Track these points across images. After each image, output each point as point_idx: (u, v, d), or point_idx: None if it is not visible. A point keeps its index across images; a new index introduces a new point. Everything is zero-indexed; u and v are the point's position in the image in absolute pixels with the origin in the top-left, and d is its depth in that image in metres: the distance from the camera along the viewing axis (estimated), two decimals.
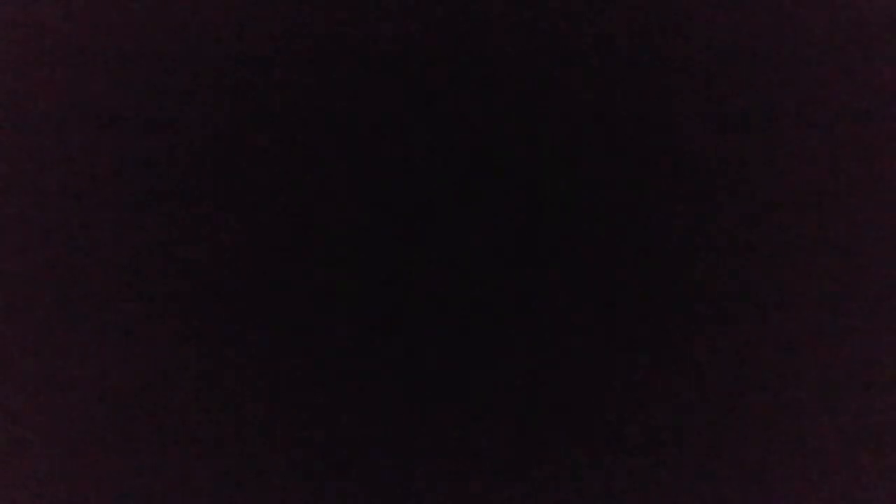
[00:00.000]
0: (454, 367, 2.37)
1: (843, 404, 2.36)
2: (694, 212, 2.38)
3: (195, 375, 2.37)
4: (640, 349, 2.36)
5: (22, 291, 2.39)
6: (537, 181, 2.38)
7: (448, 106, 2.39)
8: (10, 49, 2.41)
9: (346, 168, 2.39)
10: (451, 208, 2.39)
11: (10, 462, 2.37)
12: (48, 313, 2.39)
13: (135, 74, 2.41)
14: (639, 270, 2.37)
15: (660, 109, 2.39)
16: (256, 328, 2.38)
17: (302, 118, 2.40)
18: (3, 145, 2.41)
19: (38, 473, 2.38)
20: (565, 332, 2.37)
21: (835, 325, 2.37)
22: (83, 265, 2.39)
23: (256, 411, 2.37)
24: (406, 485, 2.36)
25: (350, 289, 2.38)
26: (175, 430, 2.37)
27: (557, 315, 2.37)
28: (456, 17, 2.40)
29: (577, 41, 2.40)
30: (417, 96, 2.39)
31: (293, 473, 2.36)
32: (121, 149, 2.40)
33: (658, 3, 2.40)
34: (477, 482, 2.36)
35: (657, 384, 2.36)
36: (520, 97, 2.39)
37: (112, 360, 2.38)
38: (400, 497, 2.36)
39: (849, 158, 2.40)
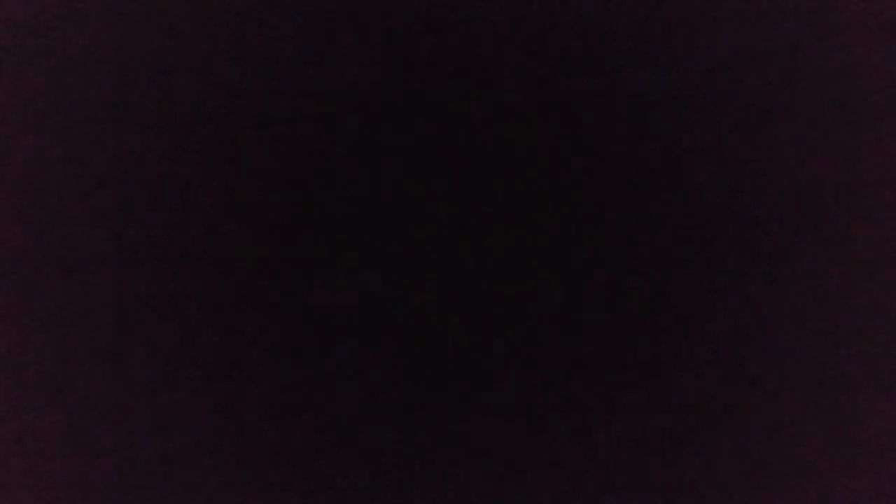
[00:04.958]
0: (454, 368, 2.37)
1: (841, 404, 2.36)
2: (694, 212, 2.39)
3: (195, 376, 2.37)
4: (639, 349, 2.36)
5: (22, 291, 2.39)
6: (537, 181, 2.38)
7: (448, 106, 2.39)
8: (10, 49, 2.41)
9: (346, 169, 2.39)
10: (451, 209, 2.39)
11: (10, 462, 2.37)
12: (48, 314, 2.38)
13: (135, 74, 2.41)
14: (638, 270, 2.38)
15: (660, 110, 2.39)
16: (257, 329, 2.38)
17: (302, 118, 2.40)
18: (2, 145, 2.41)
19: (38, 473, 2.37)
20: (564, 333, 2.37)
21: (835, 324, 2.37)
22: (83, 265, 2.39)
23: (257, 412, 2.37)
24: (406, 485, 2.36)
25: (351, 289, 2.38)
26: (175, 431, 2.37)
27: (557, 315, 2.37)
28: (456, 17, 2.40)
29: (577, 41, 2.40)
30: (418, 97, 2.39)
31: (293, 474, 2.37)
32: (121, 149, 2.40)
33: (659, 3, 2.40)
34: (477, 482, 2.36)
35: (657, 384, 2.36)
36: (519, 97, 2.39)
37: (112, 361, 2.38)
38: (400, 497, 2.36)
39: (849, 158, 2.40)
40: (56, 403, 2.38)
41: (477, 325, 2.37)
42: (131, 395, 2.37)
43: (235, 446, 2.36)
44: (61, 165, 2.40)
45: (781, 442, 2.36)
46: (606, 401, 2.36)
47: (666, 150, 2.39)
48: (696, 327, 2.36)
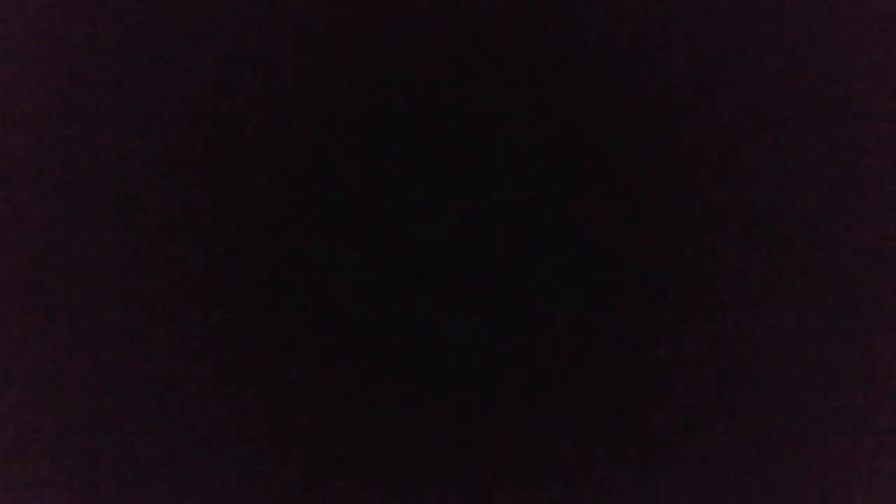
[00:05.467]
0: (454, 368, 2.37)
1: (843, 404, 2.37)
2: (693, 211, 2.39)
3: (196, 376, 2.37)
4: (639, 349, 2.36)
5: (22, 291, 2.39)
6: (537, 180, 2.39)
7: (448, 105, 2.39)
8: (10, 48, 2.41)
9: (346, 168, 2.39)
10: (451, 208, 2.39)
11: (10, 462, 2.37)
12: (48, 313, 2.39)
13: (135, 74, 2.41)
14: (638, 270, 2.38)
15: (659, 109, 2.39)
16: (257, 328, 2.38)
17: (302, 118, 2.40)
18: (3, 145, 2.41)
19: (38, 473, 2.38)
20: (564, 333, 2.37)
21: (835, 325, 2.37)
22: (81, 265, 2.39)
23: (257, 412, 2.37)
24: (406, 485, 2.36)
25: (351, 289, 2.38)
26: (175, 431, 2.37)
27: (556, 315, 2.37)
28: (456, 16, 2.40)
29: (577, 41, 2.40)
30: (418, 96, 2.39)
31: (294, 475, 2.37)
32: (121, 149, 2.40)
33: (658, 2, 2.40)
34: (477, 483, 2.36)
35: (656, 384, 2.36)
36: (519, 97, 2.39)
37: (112, 361, 2.38)
38: (400, 498, 2.36)
39: (848, 158, 2.40)
40: (56, 403, 2.38)
41: (477, 326, 2.37)
42: (131, 395, 2.37)
43: (235, 446, 2.36)
44: (61, 165, 2.40)
45: (781, 442, 2.36)
46: (606, 401, 2.36)
47: (666, 150, 2.39)
48: (696, 327, 2.37)
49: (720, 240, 2.38)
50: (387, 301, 2.38)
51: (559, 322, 2.37)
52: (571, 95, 2.39)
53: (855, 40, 2.41)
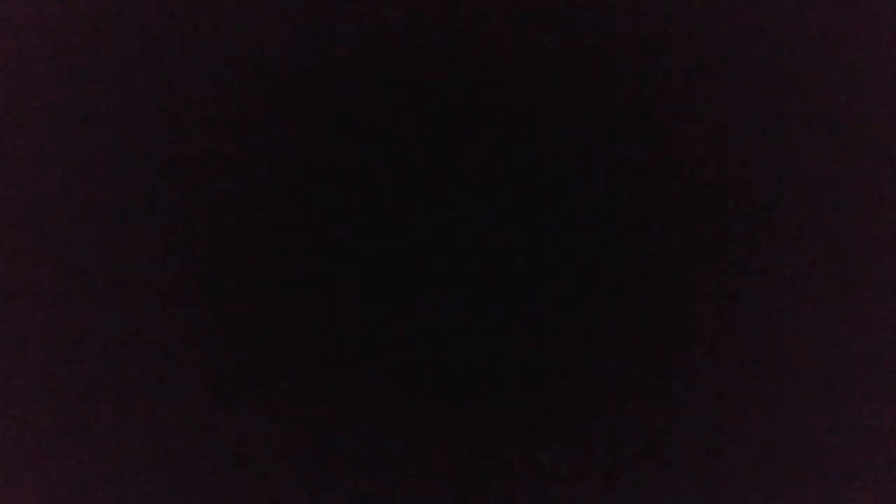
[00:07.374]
0: (453, 369, 2.37)
1: (843, 404, 2.37)
2: (694, 211, 2.39)
3: (195, 377, 2.37)
4: (639, 350, 2.36)
5: (22, 291, 2.39)
6: (536, 181, 2.39)
7: (448, 106, 2.39)
8: (10, 49, 2.42)
9: (346, 168, 2.39)
10: (450, 209, 2.39)
11: (10, 462, 2.38)
12: (48, 313, 2.39)
13: (135, 74, 2.41)
14: (638, 271, 2.38)
15: (659, 109, 2.40)
16: (257, 328, 2.38)
17: (302, 118, 2.41)
18: (3, 145, 2.41)
19: (38, 473, 2.38)
20: (565, 333, 2.37)
21: (835, 324, 2.37)
22: (83, 265, 2.39)
23: (256, 412, 2.37)
24: (405, 486, 2.36)
25: (350, 290, 2.38)
26: (174, 431, 2.37)
27: (556, 316, 2.37)
28: (456, 16, 2.40)
29: (577, 41, 2.40)
30: (418, 96, 2.39)
31: (292, 475, 2.37)
32: (121, 149, 2.41)
33: (658, 2, 2.40)
34: (476, 483, 2.36)
35: (657, 384, 2.36)
36: (520, 97, 2.40)
37: (112, 360, 2.38)
38: (399, 498, 2.36)
39: (849, 158, 2.40)
40: (56, 403, 2.38)
41: (476, 326, 2.37)
42: (131, 396, 2.38)
43: (235, 447, 2.37)
44: (61, 166, 2.40)
45: (782, 442, 2.36)
46: (607, 401, 2.36)
47: (667, 150, 2.39)
48: (696, 327, 2.37)
49: (720, 239, 2.38)
50: (387, 301, 2.38)
51: (559, 322, 2.37)
52: (571, 95, 2.39)
53: (855, 40, 2.41)
